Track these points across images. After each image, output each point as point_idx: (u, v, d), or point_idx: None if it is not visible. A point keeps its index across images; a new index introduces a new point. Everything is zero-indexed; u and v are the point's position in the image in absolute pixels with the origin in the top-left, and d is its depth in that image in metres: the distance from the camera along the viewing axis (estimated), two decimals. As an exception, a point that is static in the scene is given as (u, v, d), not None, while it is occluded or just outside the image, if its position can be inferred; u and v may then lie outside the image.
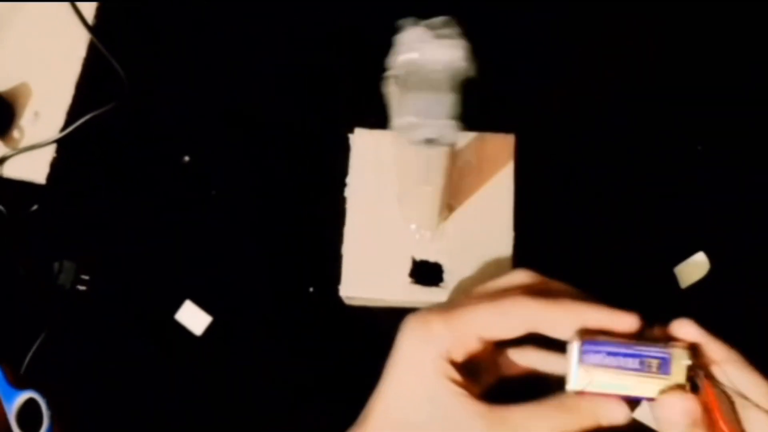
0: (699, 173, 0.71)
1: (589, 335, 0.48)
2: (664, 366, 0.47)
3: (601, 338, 0.48)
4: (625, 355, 0.47)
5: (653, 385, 0.47)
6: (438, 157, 0.50)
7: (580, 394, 0.48)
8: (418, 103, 0.41)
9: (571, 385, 0.48)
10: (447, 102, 0.40)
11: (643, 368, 0.47)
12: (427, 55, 0.41)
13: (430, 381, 0.48)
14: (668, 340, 0.48)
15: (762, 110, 0.72)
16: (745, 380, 0.47)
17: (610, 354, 0.47)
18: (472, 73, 0.41)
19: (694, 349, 0.48)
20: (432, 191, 0.57)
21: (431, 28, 0.42)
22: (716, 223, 0.70)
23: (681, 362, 0.47)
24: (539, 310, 0.48)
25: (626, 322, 0.48)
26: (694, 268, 0.68)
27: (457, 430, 0.47)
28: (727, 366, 0.47)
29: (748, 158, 0.71)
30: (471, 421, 0.46)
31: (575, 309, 0.48)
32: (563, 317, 0.48)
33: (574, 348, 0.48)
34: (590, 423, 0.47)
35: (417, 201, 0.61)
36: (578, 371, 0.48)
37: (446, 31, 0.42)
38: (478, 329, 0.48)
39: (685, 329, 0.48)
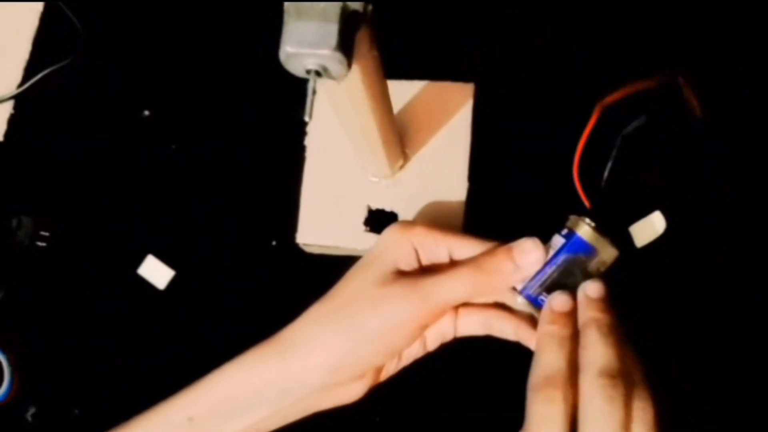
0: (654, 131, 0.70)
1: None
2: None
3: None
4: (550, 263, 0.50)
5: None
6: (343, 94, 0.50)
7: None
8: (298, 33, 0.40)
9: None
10: (330, 33, 0.39)
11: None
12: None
13: (387, 263, 0.51)
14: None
15: (716, 64, 0.71)
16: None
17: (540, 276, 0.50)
18: (358, 6, 0.40)
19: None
20: (360, 132, 0.57)
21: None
22: (672, 181, 0.69)
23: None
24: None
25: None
26: (650, 227, 0.67)
27: (378, 305, 0.49)
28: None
29: (702, 116, 0.70)
30: (391, 297, 0.49)
31: None
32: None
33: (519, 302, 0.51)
34: (504, 271, 0.50)
35: (354, 144, 0.61)
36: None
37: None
38: (452, 245, 0.52)
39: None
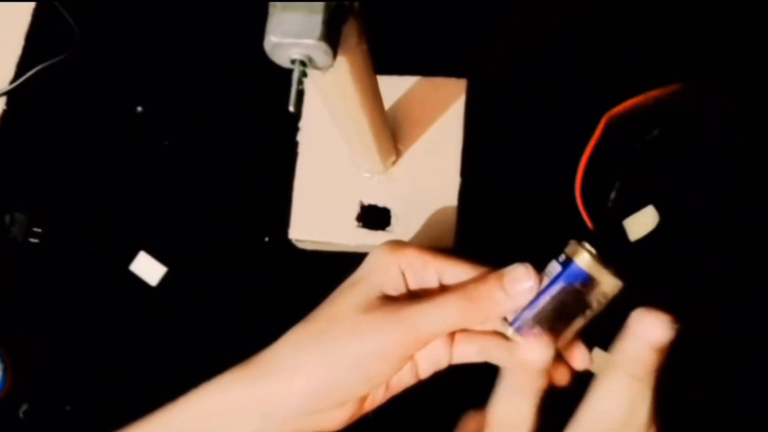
0: (648, 127, 0.70)
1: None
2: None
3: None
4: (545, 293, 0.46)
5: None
6: (333, 87, 0.50)
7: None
8: (283, 24, 0.40)
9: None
10: (315, 23, 0.39)
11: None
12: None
13: (372, 286, 0.48)
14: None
15: (706, 59, 0.71)
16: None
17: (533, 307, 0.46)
18: None
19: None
20: (351, 127, 0.57)
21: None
22: (665, 176, 0.69)
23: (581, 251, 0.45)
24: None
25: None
26: (644, 221, 0.67)
27: (359, 331, 0.47)
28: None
29: (696, 111, 0.70)
30: (373, 324, 0.47)
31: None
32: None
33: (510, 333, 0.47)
34: (494, 300, 0.46)
35: (346, 139, 0.61)
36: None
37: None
38: (442, 268, 0.49)
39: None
